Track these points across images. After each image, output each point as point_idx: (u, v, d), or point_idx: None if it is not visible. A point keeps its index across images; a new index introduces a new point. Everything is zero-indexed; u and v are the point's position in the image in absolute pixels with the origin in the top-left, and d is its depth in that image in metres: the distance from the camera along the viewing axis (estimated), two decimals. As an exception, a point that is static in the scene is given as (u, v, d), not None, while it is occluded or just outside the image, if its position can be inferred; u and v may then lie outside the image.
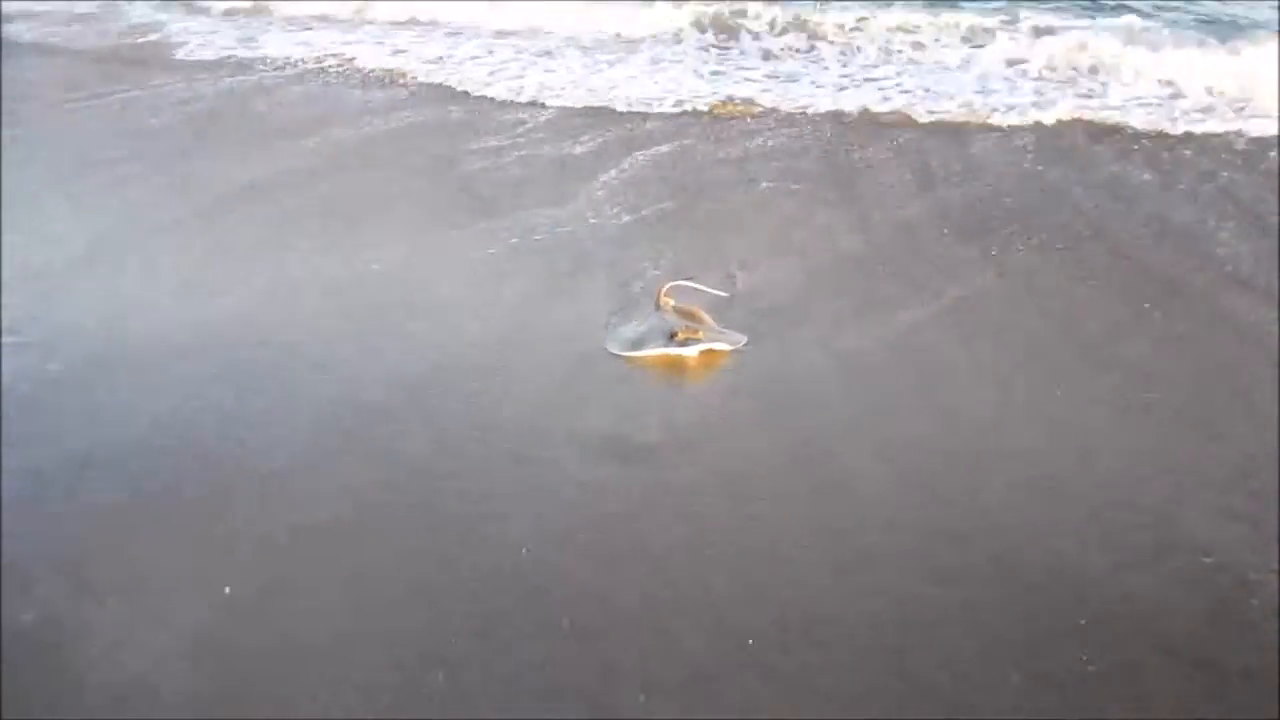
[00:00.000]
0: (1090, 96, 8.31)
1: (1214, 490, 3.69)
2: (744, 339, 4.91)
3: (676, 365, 4.73)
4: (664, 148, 7.53)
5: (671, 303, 5.19)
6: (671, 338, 4.79)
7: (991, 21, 9.70)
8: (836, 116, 8.08)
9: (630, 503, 3.74)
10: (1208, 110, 7.73)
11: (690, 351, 4.76)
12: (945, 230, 6.01)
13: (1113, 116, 7.78)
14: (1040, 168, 6.89)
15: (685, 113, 8.31)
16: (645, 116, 8.25)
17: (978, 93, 8.47)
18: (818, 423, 4.21)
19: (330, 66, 9.88)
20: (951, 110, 8.09)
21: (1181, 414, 4.16)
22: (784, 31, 10.06)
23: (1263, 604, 3.17)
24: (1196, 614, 3.15)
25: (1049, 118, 7.83)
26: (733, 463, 3.97)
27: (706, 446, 4.09)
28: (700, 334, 4.83)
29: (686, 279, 5.40)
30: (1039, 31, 9.30)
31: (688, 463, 3.98)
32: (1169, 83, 8.23)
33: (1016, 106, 8.08)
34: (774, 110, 8.26)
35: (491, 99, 8.78)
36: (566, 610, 3.25)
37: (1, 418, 4.35)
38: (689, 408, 4.42)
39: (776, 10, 10.34)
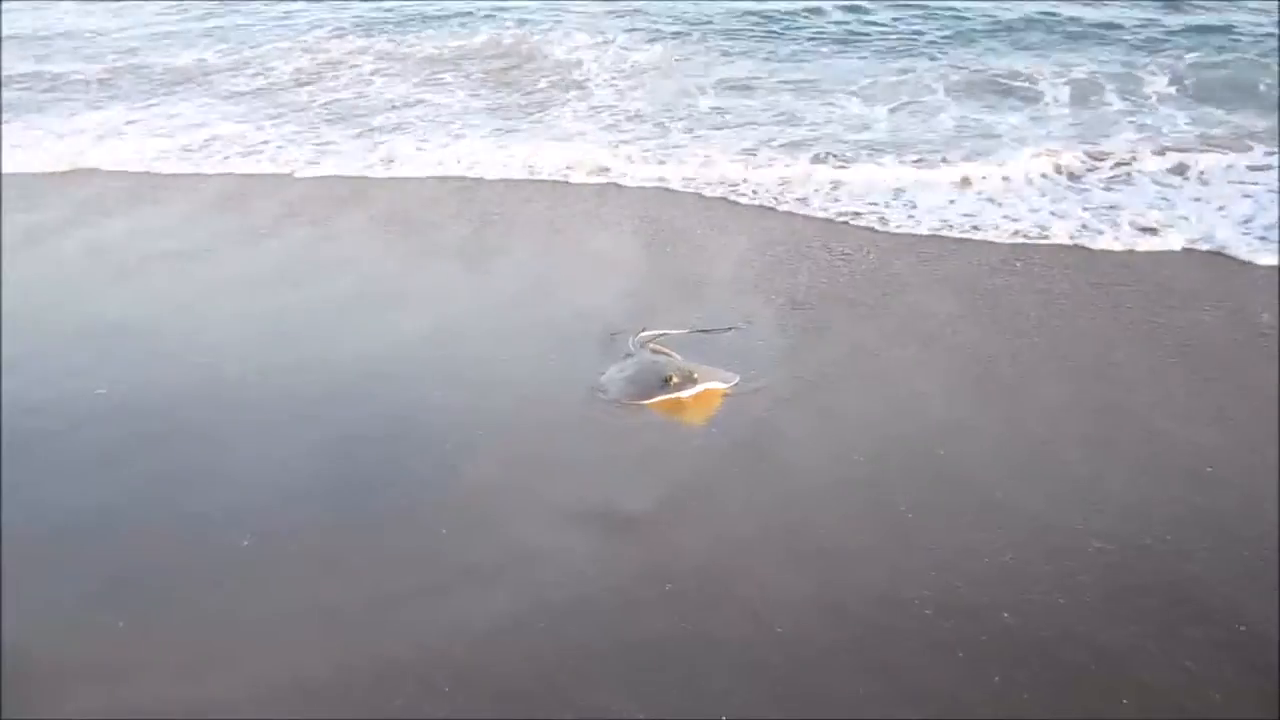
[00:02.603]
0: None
1: (1237, 548, 3.53)
2: (736, 377, 4.76)
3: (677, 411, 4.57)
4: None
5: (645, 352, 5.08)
6: (666, 382, 4.62)
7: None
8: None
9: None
10: None
11: (687, 394, 4.59)
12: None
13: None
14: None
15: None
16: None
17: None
18: (811, 480, 4.02)
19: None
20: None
21: (1196, 469, 4.00)
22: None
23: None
24: (1233, 687, 2.98)
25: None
26: (723, 527, 3.77)
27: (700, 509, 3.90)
28: (695, 376, 4.67)
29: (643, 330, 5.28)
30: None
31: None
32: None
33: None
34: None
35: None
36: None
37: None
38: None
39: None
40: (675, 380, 4.62)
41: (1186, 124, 8.01)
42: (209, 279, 6.26)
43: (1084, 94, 8.87)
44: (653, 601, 3.36)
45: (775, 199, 7.11)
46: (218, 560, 3.67)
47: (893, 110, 8.95)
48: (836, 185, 7.24)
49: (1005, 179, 7.09)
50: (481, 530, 3.78)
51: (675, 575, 3.46)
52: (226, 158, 8.81)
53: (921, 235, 6.34)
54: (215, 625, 3.38)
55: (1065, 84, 9.10)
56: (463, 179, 7.93)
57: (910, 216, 6.65)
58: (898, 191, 7.07)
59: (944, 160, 7.49)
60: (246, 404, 4.74)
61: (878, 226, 6.52)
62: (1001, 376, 4.71)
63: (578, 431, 4.42)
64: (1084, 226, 6.33)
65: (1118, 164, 7.22)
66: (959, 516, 3.72)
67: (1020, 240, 6.20)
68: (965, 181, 7.11)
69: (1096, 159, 7.33)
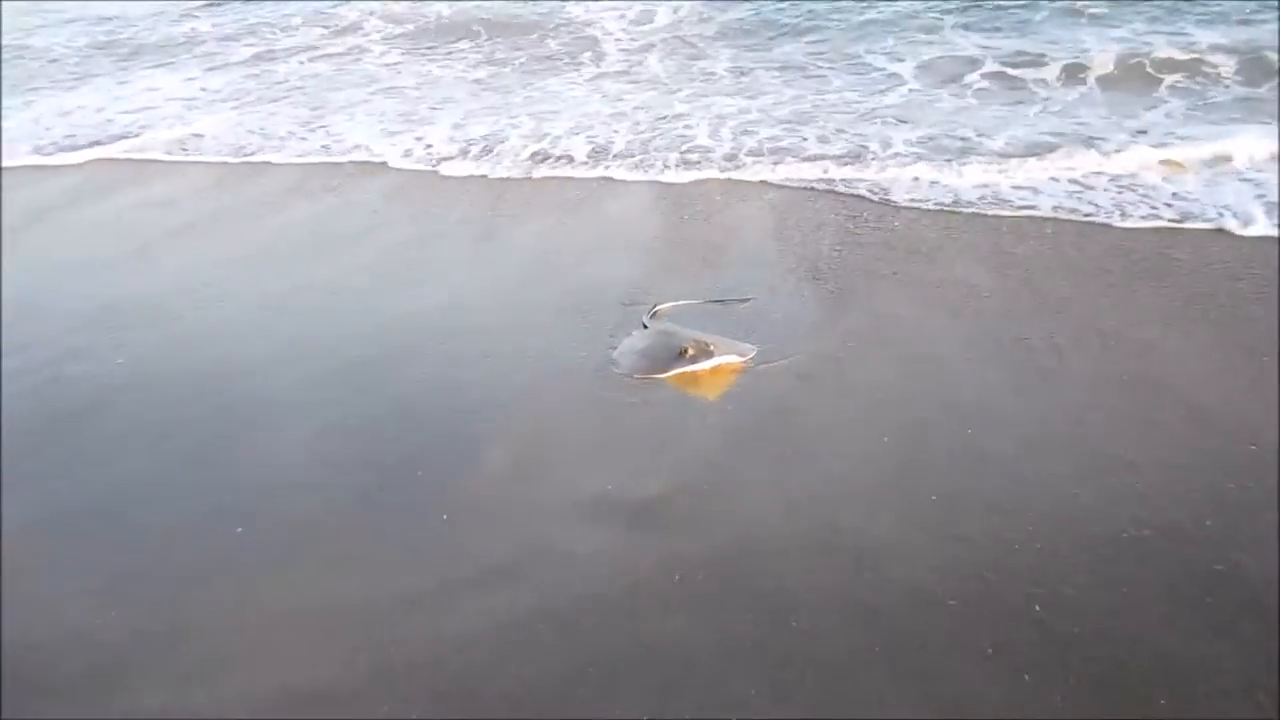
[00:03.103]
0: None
1: None
2: (753, 349, 4.57)
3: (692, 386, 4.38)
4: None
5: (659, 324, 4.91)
6: (681, 355, 4.44)
7: None
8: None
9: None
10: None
11: (703, 366, 4.41)
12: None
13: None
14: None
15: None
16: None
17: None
18: (832, 463, 3.81)
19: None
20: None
21: (1240, 448, 3.76)
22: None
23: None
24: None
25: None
26: (738, 514, 3.56)
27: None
28: (712, 348, 4.49)
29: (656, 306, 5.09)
30: None
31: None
32: None
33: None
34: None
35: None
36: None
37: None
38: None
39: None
40: (690, 352, 4.45)
41: (1236, 85, 7.62)
42: (191, 271, 6.00)
43: (1126, 63, 8.50)
44: (663, 596, 3.18)
45: (790, 171, 6.80)
46: (214, 554, 3.53)
47: (918, 72, 8.65)
48: (857, 157, 6.93)
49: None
50: (485, 518, 3.60)
51: (687, 566, 3.28)
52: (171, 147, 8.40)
53: (942, 209, 6.07)
54: (214, 622, 3.24)
55: (1104, 54, 8.72)
56: (436, 173, 7.38)
57: (928, 190, 6.37)
58: (915, 161, 6.76)
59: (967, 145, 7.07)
60: (242, 393, 4.58)
61: (897, 200, 6.24)
62: (1032, 352, 4.48)
63: (588, 409, 4.23)
64: (1116, 201, 6.01)
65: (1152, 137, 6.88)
66: (989, 503, 3.51)
67: (1050, 215, 5.90)
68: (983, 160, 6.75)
69: (1134, 132, 6.99)
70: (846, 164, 6.78)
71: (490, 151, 7.52)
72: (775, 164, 6.93)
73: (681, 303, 5.11)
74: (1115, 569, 3.20)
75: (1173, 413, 3.97)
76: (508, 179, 7.13)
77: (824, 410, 4.13)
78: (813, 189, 6.48)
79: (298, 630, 3.16)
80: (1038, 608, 3.07)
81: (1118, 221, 5.71)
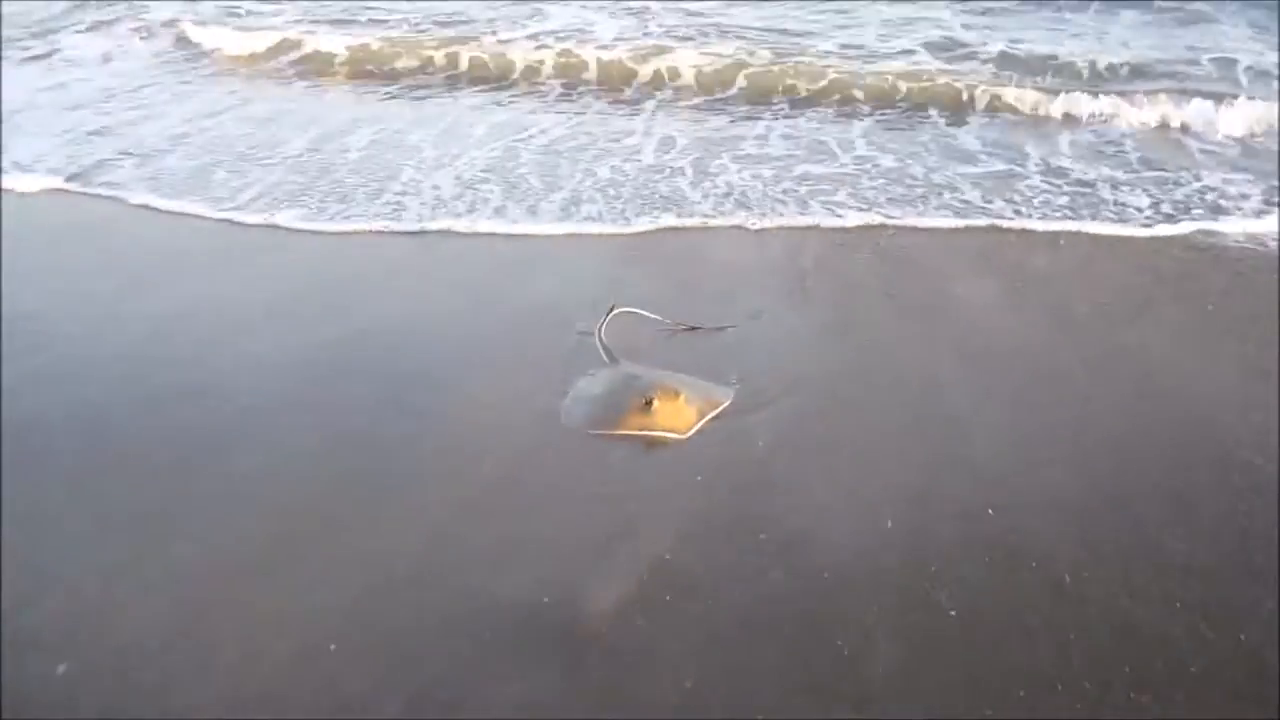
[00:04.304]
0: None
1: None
2: (730, 393, 3.89)
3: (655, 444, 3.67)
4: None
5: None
6: (646, 405, 3.70)
7: None
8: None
9: None
10: None
11: (672, 433, 3.67)
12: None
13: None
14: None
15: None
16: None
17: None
18: (823, 558, 3.07)
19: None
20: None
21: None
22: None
23: None
24: None
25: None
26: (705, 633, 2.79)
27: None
28: (680, 395, 3.76)
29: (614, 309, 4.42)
30: None
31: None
32: None
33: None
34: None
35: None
36: None
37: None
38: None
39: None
40: (657, 404, 3.71)
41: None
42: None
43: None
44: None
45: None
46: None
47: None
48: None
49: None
50: (366, 657, 2.70)
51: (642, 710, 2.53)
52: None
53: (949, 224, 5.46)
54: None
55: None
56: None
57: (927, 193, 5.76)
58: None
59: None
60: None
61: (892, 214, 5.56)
62: (1059, 392, 3.91)
63: (527, 476, 3.47)
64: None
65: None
66: (1017, 615, 2.82)
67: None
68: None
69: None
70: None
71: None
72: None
73: (644, 313, 4.40)
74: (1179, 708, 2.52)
75: (1232, 484, 3.35)
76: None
77: (814, 478, 3.45)
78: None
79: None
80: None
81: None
